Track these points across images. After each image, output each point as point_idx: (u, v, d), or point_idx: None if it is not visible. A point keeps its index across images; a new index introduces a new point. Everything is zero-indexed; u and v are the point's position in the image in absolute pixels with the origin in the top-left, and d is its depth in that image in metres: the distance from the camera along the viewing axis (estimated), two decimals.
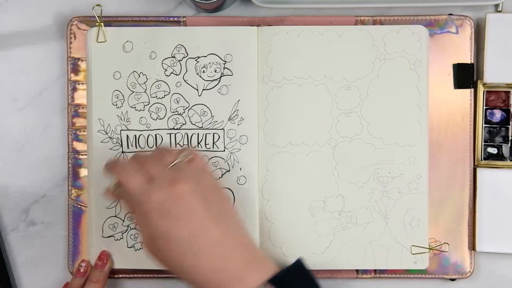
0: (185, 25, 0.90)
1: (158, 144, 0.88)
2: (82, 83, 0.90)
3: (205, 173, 0.78)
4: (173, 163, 0.77)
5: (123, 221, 0.89)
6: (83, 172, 0.90)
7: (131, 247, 0.89)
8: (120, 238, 0.89)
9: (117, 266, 0.89)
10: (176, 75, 0.88)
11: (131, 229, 0.89)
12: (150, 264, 0.88)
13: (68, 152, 0.90)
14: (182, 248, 0.73)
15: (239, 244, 0.75)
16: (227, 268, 0.73)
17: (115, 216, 0.89)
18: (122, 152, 0.88)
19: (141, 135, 0.88)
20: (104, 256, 0.88)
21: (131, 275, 0.90)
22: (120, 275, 0.90)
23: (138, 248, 0.89)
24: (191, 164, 0.78)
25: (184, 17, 0.90)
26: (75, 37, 0.90)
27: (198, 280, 0.74)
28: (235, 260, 0.74)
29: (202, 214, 0.73)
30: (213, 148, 0.88)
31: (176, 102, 0.88)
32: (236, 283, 0.73)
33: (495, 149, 0.90)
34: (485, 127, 0.90)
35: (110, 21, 0.89)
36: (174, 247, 0.73)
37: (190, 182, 0.74)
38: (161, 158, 0.77)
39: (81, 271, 0.88)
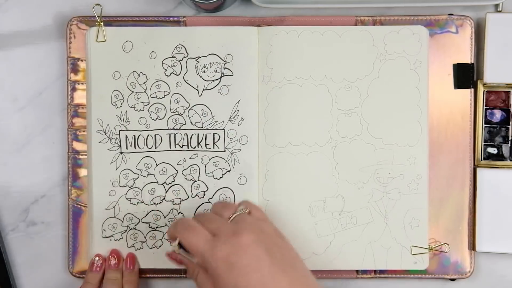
0: (185, 25, 0.89)
1: (157, 145, 0.88)
2: (82, 83, 0.90)
3: (265, 222, 0.79)
4: (233, 217, 0.77)
5: (122, 221, 0.89)
6: (83, 172, 0.90)
7: (131, 247, 0.89)
8: (120, 238, 0.89)
9: None
10: (176, 75, 0.88)
11: (130, 229, 0.89)
12: (150, 263, 0.89)
13: (68, 152, 0.90)
14: None
15: None
16: None
17: (114, 217, 0.89)
18: (121, 152, 0.88)
19: (140, 136, 0.88)
20: (116, 254, 0.88)
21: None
22: None
23: (138, 248, 0.89)
24: (250, 216, 0.78)
25: (184, 17, 0.90)
26: (75, 37, 0.90)
27: None
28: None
29: (269, 263, 0.73)
30: (213, 148, 0.88)
31: (176, 102, 0.88)
32: None
33: (495, 149, 0.90)
34: (485, 127, 0.90)
35: (110, 21, 0.89)
36: None
37: (252, 233, 0.74)
38: (220, 213, 0.78)
39: (98, 265, 0.88)
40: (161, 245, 0.89)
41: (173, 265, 0.87)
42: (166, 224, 0.89)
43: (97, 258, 0.88)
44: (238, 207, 0.79)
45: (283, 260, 0.74)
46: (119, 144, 0.88)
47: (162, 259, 0.88)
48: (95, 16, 0.88)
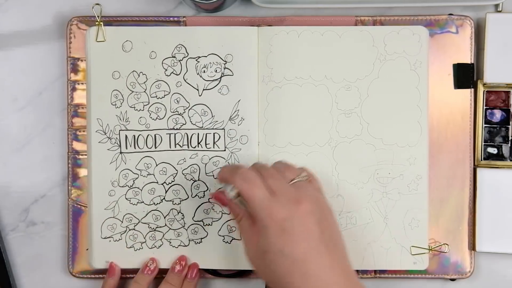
0: (185, 25, 0.89)
1: (157, 145, 0.88)
2: (82, 83, 0.90)
3: (321, 195, 0.79)
4: (294, 181, 0.77)
5: (122, 222, 0.89)
6: (83, 172, 0.90)
7: (130, 247, 0.89)
8: (119, 239, 0.89)
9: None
10: (177, 75, 0.88)
11: (129, 230, 0.89)
12: None
13: (68, 152, 0.90)
14: (292, 267, 0.72)
15: (345, 273, 0.74)
16: None
17: (113, 217, 0.89)
18: (120, 152, 0.88)
19: (140, 135, 0.88)
20: (183, 261, 0.88)
21: (130, 276, 0.90)
22: (121, 275, 0.90)
23: (138, 249, 0.89)
24: (310, 185, 0.78)
25: (184, 17, 0.90)
26: (75, 37, 0.90)
27: None
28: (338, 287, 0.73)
29: (318, 237, 0.73)
30: (213, 148, 0.88)
31: (176, 102, 0.88)
32: None
33: (495, 149, 0.90)
34: (485, 127, 0.90)
35: (110, 21, 0.89)
36: (284, 264, 0.73)
37: (311, 203, 0.74)
38: (282, 173, 0.78)
39: (151, 268, 0.88)
40: (160, 245, 0.89)
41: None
42: (165, 224, 0.88)
43: (151, 261, 0.88)
44: (300, 172, 0.79)
45: (330, 237, 0.75)
46: (118, 144, 0.88)
47: (162, 259, 0.88)
48: (95, 16, 0.88)
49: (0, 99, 0.91)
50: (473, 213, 0.89)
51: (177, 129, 0.88)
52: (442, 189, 0.89)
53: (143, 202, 0.88)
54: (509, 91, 0.90)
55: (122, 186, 0.88)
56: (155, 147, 0.88)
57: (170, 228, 0.89)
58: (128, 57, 0.88)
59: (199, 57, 0.88)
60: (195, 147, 0.88)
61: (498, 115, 0.90)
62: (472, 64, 0.89)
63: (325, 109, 0.88)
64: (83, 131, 0.90)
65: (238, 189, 0.76)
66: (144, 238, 0.89)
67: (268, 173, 0.77)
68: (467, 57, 0.89)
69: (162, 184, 0.88)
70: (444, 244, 0.89)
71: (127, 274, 0.90)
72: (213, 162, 0.88)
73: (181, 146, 0.88)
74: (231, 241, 0.88)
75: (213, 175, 0.88)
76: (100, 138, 0.88)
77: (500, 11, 0.89)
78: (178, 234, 0.89)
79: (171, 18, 0.90)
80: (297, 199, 0.74)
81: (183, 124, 0.88)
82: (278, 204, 0.74)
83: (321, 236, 0.73)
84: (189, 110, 0.88)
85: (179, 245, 0.89)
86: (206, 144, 0.88)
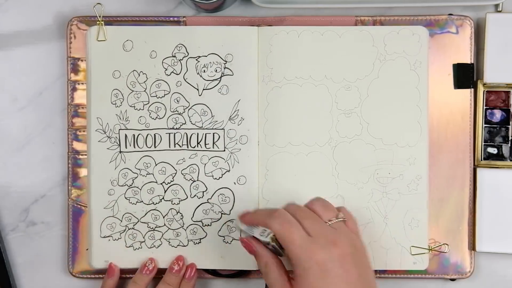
0: (185, 25, 0.90)
1: (157, 144, 0.88)
2: (82, 83, 0.90)
3: (358, 238, 0.78)
4: (333, 221, 0.76)
5: (121, 221, 0.89)
6: (83, 172, 0.90)
7: (129, 246, 0.89)
8: (118, 238, 0.89)
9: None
10: (177, 74, 0.88)
11: (129, 229, 0.89)
12: None
13: (68, 152, 0.90)
14: None
15: None
16: None
17: (113, 216, 0.89)
18: (120, 151, 0.88)
19: (139, 135, 0.88)
20: (181, 261, 0.88)
21: (130, 276, 0.90)
22: (121, 275, 0.90)
23: (137, 248, 0.89)
24: (347, 226, 0.77)
25: (184, 17, 0.90)
26: (75, 37, 0.90)
27: None
28: None
29: (356, 279, 0.73)
30: (213, 148, 0.88)
31: (176, 101, 0.88)
32: None
33: (495, 149, 0.90)
34: (485, 127, 0.90)
35: (111, 21, 0.89)
36: None
37: (350, 246, 0.74)
38: (320, 214, 0.77)
39: (149, 269, 0.88)
40: (159, 245, 0.89)
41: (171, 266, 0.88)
42: (164, 224, 0.88)
43: (149, 261, 0.88)
44: (338, 212, 0.78)
45: (365, 279, 0.74)
46: (118, 143, 0.88)
47: (160, 259, 0.88)
48: (95, 16, 0.88)
49: (0, 99, 0.91)
50: (473, 213, 0.89)
51: (176, 128, 0.88)
52: (442, 189, 0.89)
53: (142, 201, 0.88)
54: (509, 91, 0.90)
55: (122, 185, 0.88)
56: (155, 147, 0.88)
57: (169, 228, 0.89)
58: (128, 56, 0.88)
59: (199, 56, 0.88)
60: (194, 147, 0.88)
61: (498, 115, 0.90)
62: (472, 64, 0.89)
63: (325, 109, 0.88)
64: (83, 131, 0.90)
65: (274, 233, 0.75)
66: (143, 237, 0.89)
67: (305, 215, 0.76)
68: (467, 57, 0.89)
69: (161, 183, 0.88)
70: (444, 244, 0.89)
71: (126, 274, 0.90)
72: (213, 163, 0.88)
73: (180, 146, 0.88)
74: (232, 241, 0.88)
75: (212, 176, 0.88)
76: (99, 137, 0.88)
77: (500, 11, 0.89)
78: (177, 234, 0.88)
79: (171, 18, 0.90)
80: (334, 241, 0.73)
81: (183, 123, 0.88)
82: (317, 245, 0.73)
83: (359, 278, 0.73)
84: (189, 109, 0.88)
85: (178, 245, 0.89)
86: (205, 144, 0.88)
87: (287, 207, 0.78)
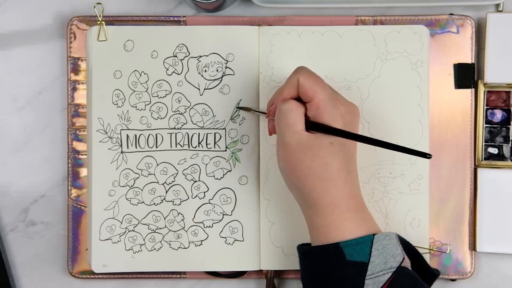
0: (185, 25, 0.89)
1: (158, 144, 0.88)
2: (82, 83, 0.90)
3: None
4: None
5: (121, 222, 0.88)
6: (83, 172, 0.90)
7: (129, 249, 0.88)
8: (118, 241, 0.88)
9: (115, 269, 0.89)
10: (178, 74, 0.88)
11: (129, 231, 0.88)
12: (150, 266, 0.88)
13: (68, 152, 0.90)
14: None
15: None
16: (353, 197, 0.76)
17: (113, 218, 0.88)
18: (121, 152, 0.88)
19: (141, 135, 0.88)
20: None
21: (130, 276, 0.89)
22: (120, 276, 0.90)
23: (137, 251, 0.88)
24: None
25: (184, 16, 0.90)
26: (75, 36, 0.90)
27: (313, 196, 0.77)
28: (356, 201, 0.77)
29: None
30: (214, 148, 0.88)
31: (177, 101, 0.88)
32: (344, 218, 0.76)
33: (496, 149, 0.90)
34: (486, 127, 0.90)
35: (111, 21, 0.89)
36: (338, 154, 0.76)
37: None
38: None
39: None
40: (160, 248, 0.88)
41: (172, 268, 0.87)
42: (165, 226, 0.88)
43: None
44: None
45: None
46: (120, 143, 0.88)
47: (161, 262, 0.88)
48: (95, 16, 0.88)
49: (0, 99, 0.91)
50: (473, 213, 0.89)
51: (178, 128, 0.88)
52: (443, 189, 0.89)
53: (143, 202, 0.88)
54: (510, 91, 0.90)
55: (123, 186, 0.88)
56: (156, 147, 0.88)
57: (170, 230, 0.88)
58: (129, 56, 0.88)
59: (201, 56, 0.88)
60: (195, 147, 0.88)
61: (498, 115, 0.90)
62: (473, 64, 0.89)
63: None
64: (84, 130, 0.89)
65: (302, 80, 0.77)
66: (144, 240, 0.88)
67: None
68: (467, 57, 0.89)
69: (162, 184, 0.88)
70: (444, 244, 0.89)
71: (125, 276, 0.89)
72: (214, 163, 0.88)
73: (181, 146, 0.88)
74: (233, 242, 0.88)
75: (214, 176, 0.88)
76: (101, 138, 0.88)
77: (501, 11, 0.89)
78: (178, 236, 0.88)
79: (171, 18, 0.90)
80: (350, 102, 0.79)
81: (184, 123, 0.88)
82: (341, 99, 0.77)
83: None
84: (190, 109, 0.88)
85: (179, 247, 0.88)
86: (207, 144, 0.88)
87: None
